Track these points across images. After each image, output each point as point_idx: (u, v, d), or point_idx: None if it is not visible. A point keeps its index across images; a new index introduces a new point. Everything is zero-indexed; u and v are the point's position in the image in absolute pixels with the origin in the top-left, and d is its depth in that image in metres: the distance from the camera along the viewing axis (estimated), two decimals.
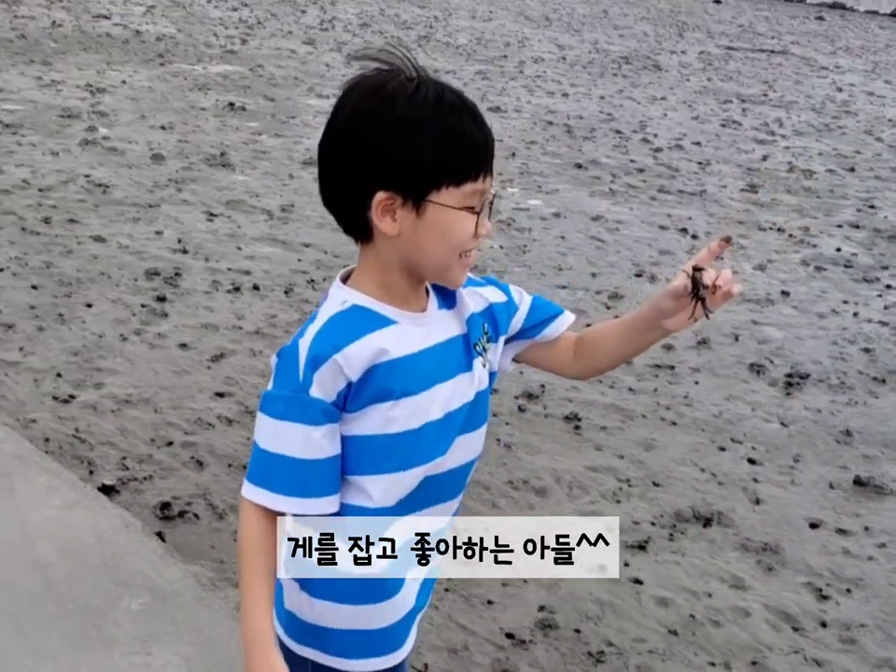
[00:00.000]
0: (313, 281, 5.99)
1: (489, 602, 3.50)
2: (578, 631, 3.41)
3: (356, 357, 1.54)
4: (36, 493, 3.31)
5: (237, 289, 5.69)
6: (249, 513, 1.57)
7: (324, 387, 1.52)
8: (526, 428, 4.67)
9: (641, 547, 3.91)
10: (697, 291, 1.57)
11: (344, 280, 1.65)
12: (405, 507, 1.65)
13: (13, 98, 9.11)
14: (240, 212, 7.05)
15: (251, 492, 1.57)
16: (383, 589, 1.68)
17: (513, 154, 9.44)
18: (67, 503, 3.27)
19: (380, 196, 1.52)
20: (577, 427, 4.73)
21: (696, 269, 1.57)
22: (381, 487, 1.61)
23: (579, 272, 6.74)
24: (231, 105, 9.84)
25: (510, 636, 3.35)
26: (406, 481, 1.63)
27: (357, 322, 1.56)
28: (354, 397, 1.55)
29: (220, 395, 4.53)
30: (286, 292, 5.76)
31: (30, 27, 12.23)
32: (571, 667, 3.27)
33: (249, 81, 11.06)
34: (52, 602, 2.85)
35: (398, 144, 1.50)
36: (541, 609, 3.49)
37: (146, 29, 13.17)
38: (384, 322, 1.58)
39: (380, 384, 1.56)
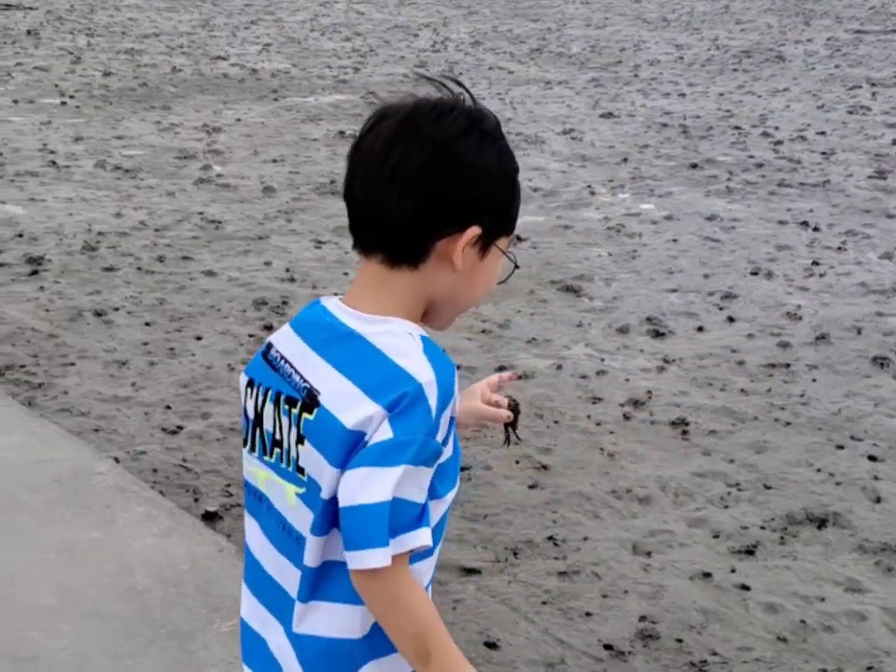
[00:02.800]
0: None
1: (587, 614, 3.45)
2: (680, 641, 3.34)
3: (457, 391, 1.51)
4: (135, 522, 3.42)
5: None
6: (402, 570, 1.45)
7: (443, 429, 1.48)
8: (631, 437, 4.60)
9: (749, 552, 3.80)
10: (515, 422, 1.95)
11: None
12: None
13: (134, 144, 9.46)
14: (347, 238, 7.08)
15: (410, 542, 1.44)
16: None
17: (625, 159, 9.34)
18: (164, 531, 3.38)
19: (475, 231, 1.53)
20: (684, 433, 4.63)
21: (515, 404, 1.94)
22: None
23: (690, 274, 6.61)
24: (342, 133, 10.01)
25: (608, 647, 3.30)
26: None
27: (441, 354, 1.52)
28: (449, 433, 1.51)
29: None
30: None
31: (151, 74, 12.69)
32: None
33: (360, 109, 11.23)
34: (146, 628, 2.93)
35: (511, 188, 1.58)
36: (642, 619, 3.43)
37: (261, 66, 13.51)
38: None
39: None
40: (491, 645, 3.28)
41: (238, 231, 7.18)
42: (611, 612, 3.47)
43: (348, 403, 1.46)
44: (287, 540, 1.56)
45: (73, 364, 5.07)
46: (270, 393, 1.58)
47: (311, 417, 1.50)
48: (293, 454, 1.53)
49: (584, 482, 4.23)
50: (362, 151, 1.55)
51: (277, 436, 1.56)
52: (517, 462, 4.35)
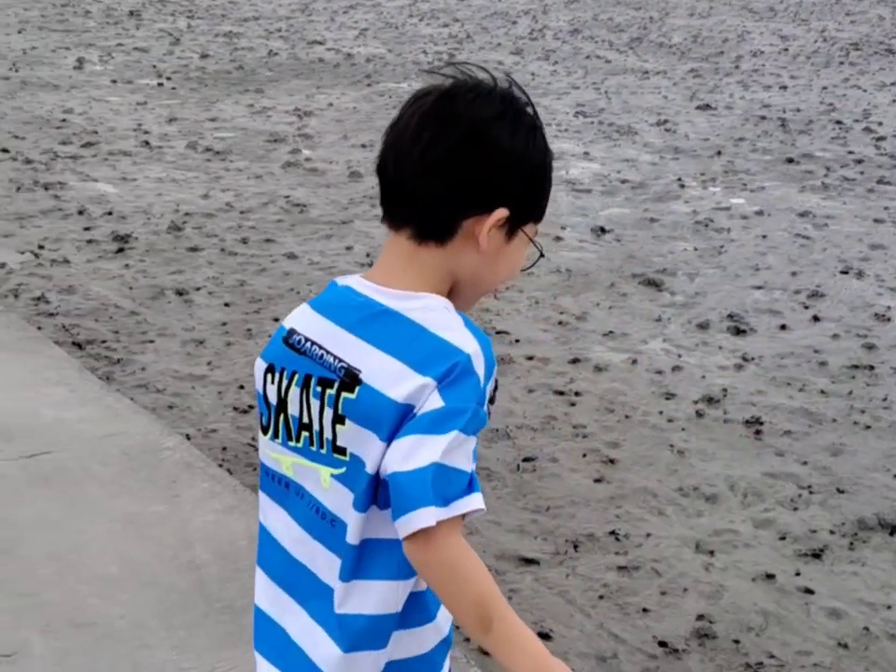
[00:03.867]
0: (496, 290, 6.02)
1: (644, 610, 3.42)
2: (737, 641, 3.29)
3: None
4: (199, 498, 3.49)
5: None
6: (456, 537, 1.43)
7: (488, 399, 1.51)
8: (703, 434, 4.53)
9: (816, 555, 3.72)
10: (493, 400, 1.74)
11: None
12: None
13: (226, 126, 9.61)
14: None
15: (462, 506, 1.43)
16: None
17: (719, 152, 9.19)
18: (226, 507, 3.43)
19: (502, 212, 1.54)
20: (758, 433, 4.55)
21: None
22: None
23: (777, 271, 6.48)
24: None
25: (663, 644, 3.26)
26: None
27: (478, 328, 1.54)
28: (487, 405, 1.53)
29: None
30: None
31: (248, 58, 12.86)
32: None
33: None
34: (202, 601, 2.99)
35: (541, 174, 1.58)
36: (700, 617, 3.38)
37: (357, 51, 13.59)
38: None
39: None
40: (544, 636, 3.26)
41: (322, 216, 7.24)
42: (669, 610, 3.43)
43: (395, 379, 1.47)
44: (322, 524, 1.56)
45: (152, 341, 5.18)
46: (297, 377, 1.57)
47: (352, 396, 1.49)
48: (327, 435, 1.53)
49: (651, 478, 4.18)
50: (398, 127, 1.57)
51: (304, 419, 1.56)
52: (584, 455, 4.32)
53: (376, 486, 1.48)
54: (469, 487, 1.44)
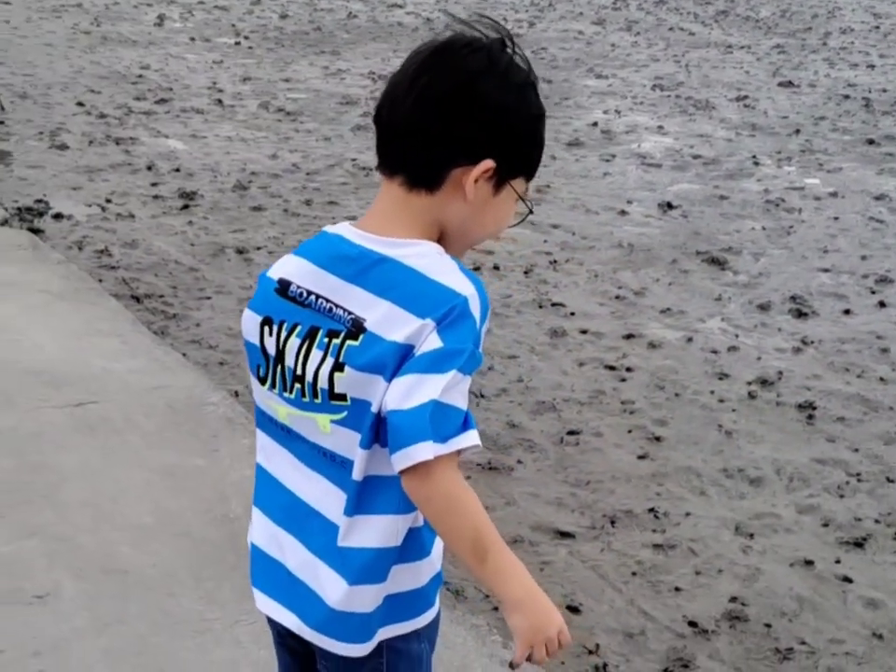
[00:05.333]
0: (555, 262, 5.99)
1: (677, 589, 3.38)
2: (768, 626, 3.24)
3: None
4: (238, 454, 3.52)
5: (477, 269, 5.78)
6: (454, 472, 1.48)
7: (483, 341, 1.55)
8: (754, 416, 4.47)
9: (858, 544, 3.65)
10: None
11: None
12: None
13: (299, 87, 9.65)
14: None
15: (459, 442, 1.48)
16: None
17: (797, 131, 9.00)
18: None
19: (488, 164, 1.57)
20: (810, 417, 4.47)
21: None
22: None
23: (847, 254, 6.34)
24: None
25: (692, 624, 3.23)
26: None
27: (472, 272, 1.58)
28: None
29: None
30: (525, 272, 5.80)
31: (326, 19, 12.88)
32: (754, 663, 3.11)
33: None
34: (232, 554, 3.03)
35: (529, 129, 1.61)
36: (733, 600, 3.34)
37: (436, 16, 13.54)
38: None
39: None
40: (573, 609, 3.25)
41: None
42: (701, 590, 3.39)
43: (396, 323, 1.52)
44: (332, 465, 1.61)
45: (209, 298, 5.24)
46: (299, 329, 1.60)
47: (356, 343, 1.54)
48: (322, 385, 1.56)
49: (696, 457, 4.14)
50: (396, 78, 1.61)
51: (299, 371, 1.59)
52: (629, 431, 4.28)
53: (378, 425, 1.53)
54: (465, 424, 1.50)
